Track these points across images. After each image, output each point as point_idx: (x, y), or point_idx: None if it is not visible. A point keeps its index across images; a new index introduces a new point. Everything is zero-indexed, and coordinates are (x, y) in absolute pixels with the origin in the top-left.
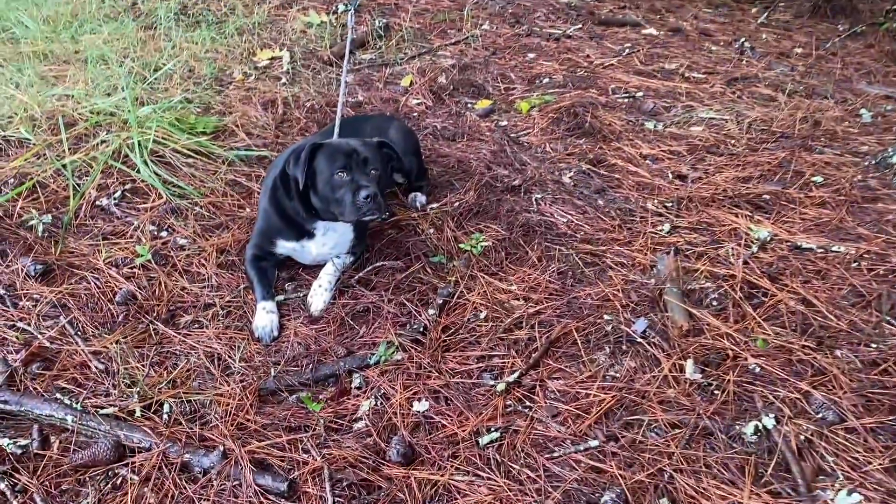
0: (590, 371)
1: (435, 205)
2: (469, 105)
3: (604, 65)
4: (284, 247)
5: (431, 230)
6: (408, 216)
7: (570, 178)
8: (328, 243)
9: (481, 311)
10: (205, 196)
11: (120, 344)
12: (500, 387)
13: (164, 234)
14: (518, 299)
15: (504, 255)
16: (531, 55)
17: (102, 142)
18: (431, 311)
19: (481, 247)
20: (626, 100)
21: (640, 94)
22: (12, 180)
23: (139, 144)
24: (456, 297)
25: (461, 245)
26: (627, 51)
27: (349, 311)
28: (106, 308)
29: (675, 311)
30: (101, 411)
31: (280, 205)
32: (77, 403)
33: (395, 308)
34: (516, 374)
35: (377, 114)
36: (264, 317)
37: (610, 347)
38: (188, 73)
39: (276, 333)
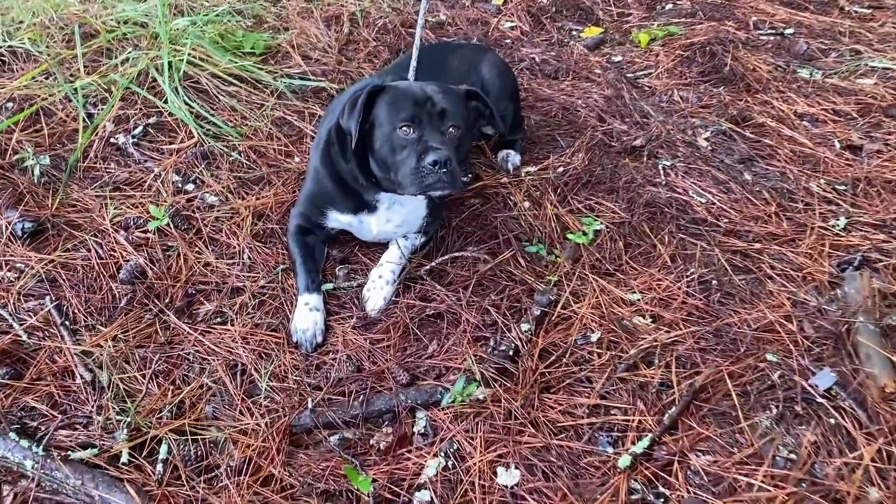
0: (750, 444)
1: (532, 168)
2: (574, 33)
3: None
4: (338, 220)
5: (527, 204)
6: (496, 181)
7: (708, 140)
8: (394, 220)
9: (593, 331)
10: (245, 138)
11: (118, 342)
12: (623, 461)
13: (189, 187)
14: (644, 316)
15: (623, 247)
16: None
17: (126, 60)
18: (525, 326)
19: (593, 232)
20: (772, 37)
21: (790, 31)
22: (11, 104)
23: (170, 66)
24: (559, 305)
25: (567, 233)
26: None
27: (416, 316)
28: (106, 287)
29: (873, 361)
30: (74, 455)
31: (333, 166)
32: (38, 447)
33: (477, 316)
34: (646, 442)
35: (466, 43)
36: (306, 316)
37: (778, 407)
38: None
39: (319, 339)
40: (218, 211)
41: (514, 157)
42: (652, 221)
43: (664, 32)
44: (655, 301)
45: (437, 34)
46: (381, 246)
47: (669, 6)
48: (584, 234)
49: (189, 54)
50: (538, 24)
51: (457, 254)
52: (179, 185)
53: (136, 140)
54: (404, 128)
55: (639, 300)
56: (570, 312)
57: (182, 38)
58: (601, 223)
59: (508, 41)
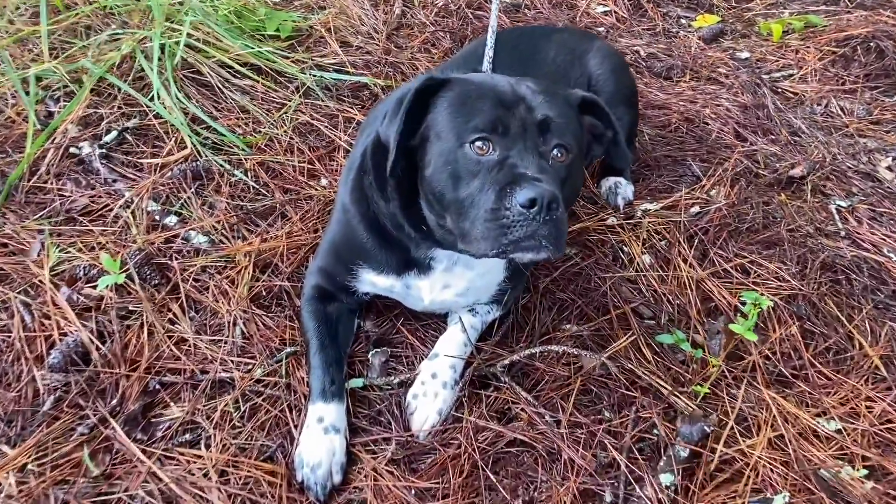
0: None
1: (651, 205)
2: (684, 21)
3: None
4: (373, 283)
5: (647, 259)
6: (599, 222)
7: (892, 169)
8: (455, 286)
9: (778, 492)
10: (256, 150)
11: (27, 474)
12: None
13: (170, 220)
14: (853, 465)
15: (801, 337)
16: None
17: (107, 42)
18: (667, 478)
19: (756, 315)
20: None
21: None
22: None
23: (162, 51)
24: (719, 440)
25: (707, 305)
26: None
27: (488, 447)
28: (27, 378)
29: None
30: None
31: (368, 204)
32: None
33: (585, 452)
34: None
35: (565, 27)
36: (319, 441)
37: None
38: None
39: (336, 480)
40: (206, 258)
41: (625, 189)
42: (837, 294)
43: (802, 23)
44: (866, 437)
45: (511, 19)
46: (438, 317)
47: None
48: (747, 327)
49: (190, 35)
50: (638, 9)
51: (553, 348)
52: (157, 218)
53: (105, 151)
54: (479, 142)
55: (840, 432)
56: (735, 454)
57: (182, 14)
58: (768, 299)
59: (602, 30)
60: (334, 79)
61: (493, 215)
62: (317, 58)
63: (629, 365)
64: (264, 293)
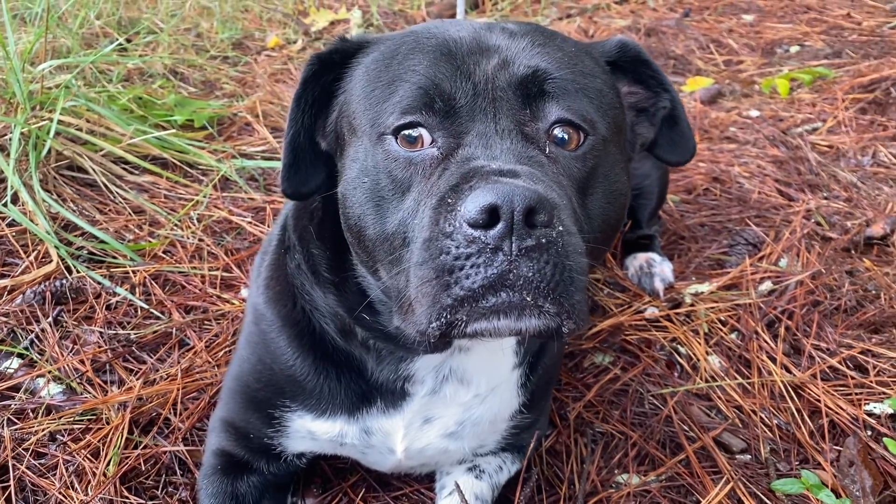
0: None
1: (701, 286)
2: (675, 85)
3: (885, 26)
4: (311, 432)
5: (716, 362)
6: (636, 314)
7: None
8: (442, 419)
9: None
10: (150, 258)
11: None
12: None
13: (10, 365)
14: None
15: None
16: (748, 17)
17: None
18: None
19: None
20: None
21: None
22: None
23: (26, 141)
24: None
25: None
26: None
27: None
28: None
29: None
30: None
31: (292, 301)
32: None
33: None
34: None
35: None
36: None
37: None
38: (192, 38)
39: None
40: (58, 419)
41: (661, 267)
42: None
43: (812, 76)
44: None
45: None
46: (419, 481)
47: (795, 48)
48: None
49: (70, 124)
50: None
51: None
52: None
53: None
54: (406, 129)
55: None
56: None
57: (55, 98)
58: None
59: None
60: (262, 167)
61: (426, 252)
62: (241, 146)
63: None
64: (146, 467)
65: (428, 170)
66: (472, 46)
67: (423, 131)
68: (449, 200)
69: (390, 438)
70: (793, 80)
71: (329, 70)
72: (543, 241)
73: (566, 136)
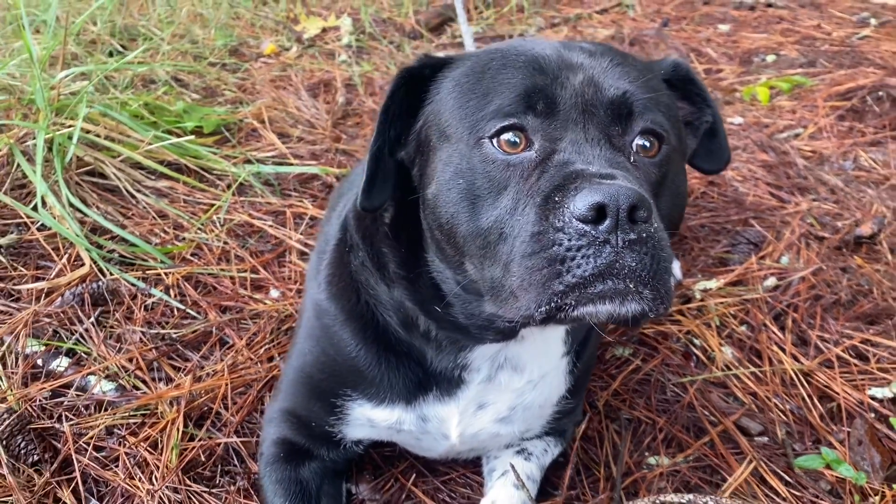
0: None
1: (710, 282)
2: None
3: (853, 37)
4: (370, 420)
5: (728, 352)
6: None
7: None
8: (495, 405)
9: None
10: (180, 261)
11: None
12: None
13: (59, 364)
14: None
15: None
16: (724, 27)
17: None
18: None
19: None
20: None
21: None
22: None
23: (50, 148)
24: None
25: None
26: (872, 20)
27: None
28: None
29: None
30: None
31: (355, 296)
32: None
33: None
34: None
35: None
36: None
37: None
38: (189, 45)
39: None
40: (114, 413)
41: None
42: None
43: (790, 84)
44: None
45: None
46: (464, 467)
47: (771, 57)
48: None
49: (89, 131)
50: None
51: (649, 500)
52: (39, 363)
53: None
54: (506, 133)
55: None
56: None
57: (74, 107)
58: None
59: None
60: (275, 171)
61: (537, 244)
62: (251, 151)
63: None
64: (203, 458)
65: (526, 172)
66: (560, 62)
67: (522, 134)
68: (556, 199)
69: (445, 424)
70: (772, 88)
71: (417, 83)
72: (644, 235)
73: (647, 145)
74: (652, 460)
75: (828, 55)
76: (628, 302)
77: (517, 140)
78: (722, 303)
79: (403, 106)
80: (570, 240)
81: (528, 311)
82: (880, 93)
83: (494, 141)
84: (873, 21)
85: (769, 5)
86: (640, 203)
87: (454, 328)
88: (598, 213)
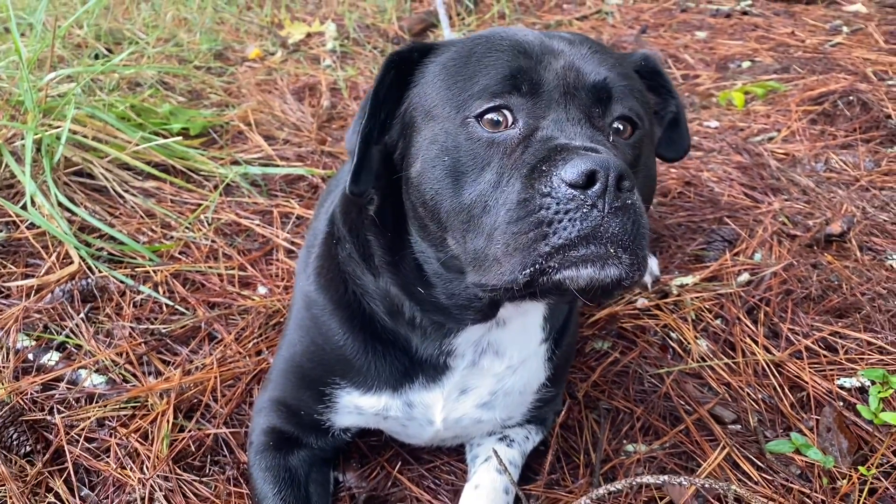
0: None
1: (686, 278)
2: None
3: (826, 44)
4: (358, 407)
5: (704, 345)
6: (628, 305)
7: None
8: (477, 390)
9: None
10: (168, 259)
11: None
12: None
13: (50, 358)
14: None
15: None
16: (701, 34)
17: None
18: None
19: (879, 399)
20: None
21: None
22: None
23: (38, 149)
24: None
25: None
26: (844, 28)
27: None
28: None
29: None
30: None
31: (343, 286)
32: None
33: None
34: None
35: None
36: None
37: None
38: (174, 49)
39: None
40: (104, 406)
41: (649, 263)
42: None
43: (764, 90)
44: None
45: None
46: (448, 454)
47: (747, 63)
48: (856, 401)
49: (76, 132)
50: None
51: (626, 483)
52: (30, 357)
53: None
54: (490, 114)
55: None
56: None
57: (62, 107)
58: (883, 373)
59: None
60: (262, 172)
61: (523, 210)
62: (237, 153)
63: (734, 490)
64: (193, 448)
65: (510, 148)
66: (542, 48)
67: (507, 113)
68: (543, 168)
69: (430, 410)
70: (747, 94)
71: (404, 68)
72: (628, 202)
73: (621, 128)
74: (630, 447)
75: (801, 61)
76: (608, 266)
77: (500, 119)
78: (697, 297)
79: (391, 91)
80: (557, 203)
81: (511, 276)
82: (851, 98)
83: (479, 120)
84: (846, 29)
85: (745, 13)
86: (626, 174)
87: (436, 310)
88: (589, 178)
